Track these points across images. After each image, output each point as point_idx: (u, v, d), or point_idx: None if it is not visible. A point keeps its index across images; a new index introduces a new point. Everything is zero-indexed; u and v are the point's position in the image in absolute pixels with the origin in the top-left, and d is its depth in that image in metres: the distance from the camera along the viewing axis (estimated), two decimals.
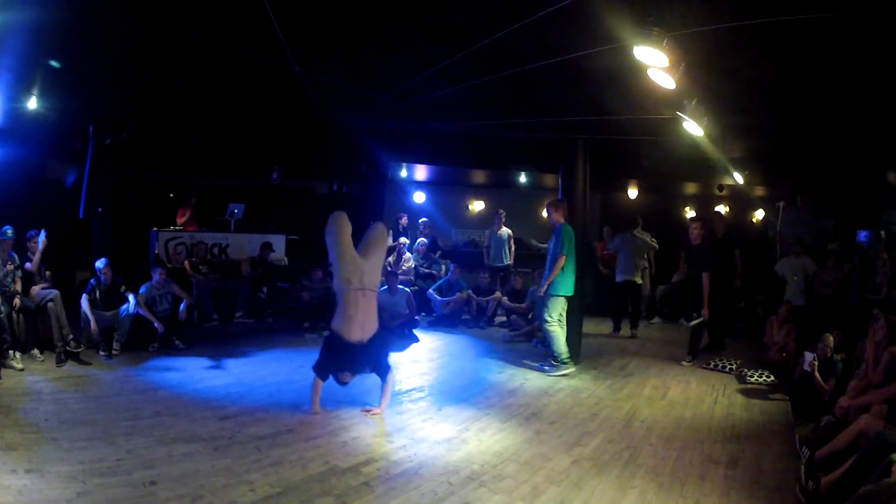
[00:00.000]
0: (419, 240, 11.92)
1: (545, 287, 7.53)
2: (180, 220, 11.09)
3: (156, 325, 7.56)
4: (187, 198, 11.37)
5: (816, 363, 6.18)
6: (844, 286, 9.19)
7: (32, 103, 7.16)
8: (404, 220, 12.48)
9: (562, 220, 7.66)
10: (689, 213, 16.18)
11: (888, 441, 3.83)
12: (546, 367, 7.62)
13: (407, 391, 6.47)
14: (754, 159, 10.56)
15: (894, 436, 3.91)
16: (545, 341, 8.79)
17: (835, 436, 4.61)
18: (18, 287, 7.04)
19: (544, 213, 14.83)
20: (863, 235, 10.58)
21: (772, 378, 7.43)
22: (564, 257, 7.42)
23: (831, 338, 6.49)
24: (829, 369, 6.25)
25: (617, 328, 10.63)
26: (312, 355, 7.78)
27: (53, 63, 6.25)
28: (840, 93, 6.12)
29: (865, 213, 11.32)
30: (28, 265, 7.31)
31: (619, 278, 10.63)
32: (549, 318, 7.56)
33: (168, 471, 4.12)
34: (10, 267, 6.97)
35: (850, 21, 4.18)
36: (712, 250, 8.57)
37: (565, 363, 7.54)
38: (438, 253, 12.43)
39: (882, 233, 9.81)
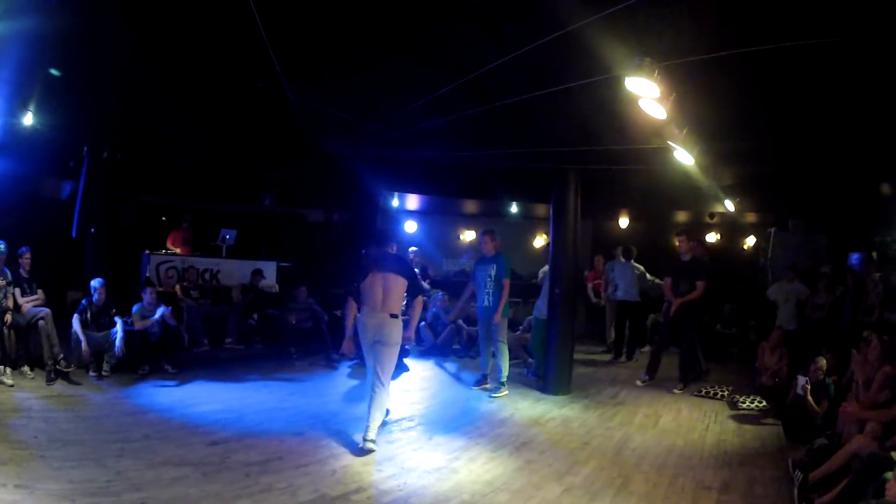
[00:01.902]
0: None
1: (500, 314, 7.75)
2: (171, 244, 11.07)
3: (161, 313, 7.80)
4: (179, 221, 11.39)
5: (809, 387, 6.20)
6: (836, 309, 9.20)
7: (28, 120, 7.19)
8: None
9: (494, 251, 8.00)
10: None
11: (881, 460, 3.85)
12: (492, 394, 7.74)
13: (397, 420, 6.39)
14: (745, 185, 10.58)
15: (887, 455, 3.93)
16: (536, 370, 8.78)
17: (828, 458, 4.63)
18: (10, 303, 7.01)
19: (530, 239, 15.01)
20: (854, 258, 10.59)
21: (763, 404, 7.43)
22: (508, 282, 7.81)
23: (823, 360, 6.53)
24: (822, 392, 6.28)
25: (617, 355, 10.63)
26: (302, 382, 7.81)
27: (53, 71, 6.23)
28: (830, 113, 6.14)
29: (858, 234, 11.28)
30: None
31: (620, 296, 10.71)
32: (501, 340, 7.85)
33: (157, 494, 4.06)
34: (1, 283, 6.95)
35: (838, 45, 4.26)
36: (706, 264, 8.52)
37: (504, 384, 7.79)
38: (428, 281, 12.43)
39: (874, 254, 9.82)
